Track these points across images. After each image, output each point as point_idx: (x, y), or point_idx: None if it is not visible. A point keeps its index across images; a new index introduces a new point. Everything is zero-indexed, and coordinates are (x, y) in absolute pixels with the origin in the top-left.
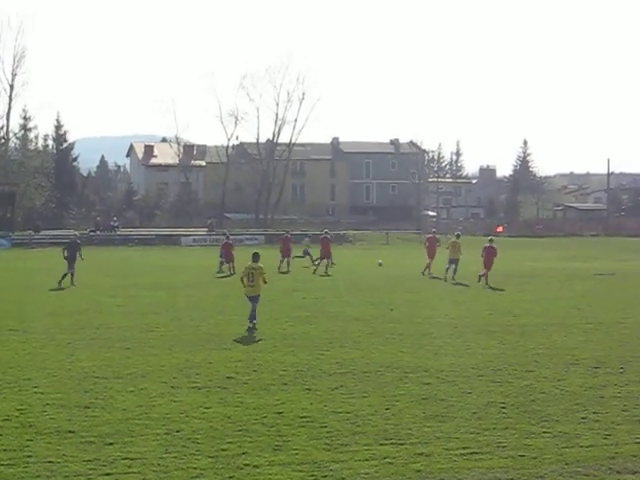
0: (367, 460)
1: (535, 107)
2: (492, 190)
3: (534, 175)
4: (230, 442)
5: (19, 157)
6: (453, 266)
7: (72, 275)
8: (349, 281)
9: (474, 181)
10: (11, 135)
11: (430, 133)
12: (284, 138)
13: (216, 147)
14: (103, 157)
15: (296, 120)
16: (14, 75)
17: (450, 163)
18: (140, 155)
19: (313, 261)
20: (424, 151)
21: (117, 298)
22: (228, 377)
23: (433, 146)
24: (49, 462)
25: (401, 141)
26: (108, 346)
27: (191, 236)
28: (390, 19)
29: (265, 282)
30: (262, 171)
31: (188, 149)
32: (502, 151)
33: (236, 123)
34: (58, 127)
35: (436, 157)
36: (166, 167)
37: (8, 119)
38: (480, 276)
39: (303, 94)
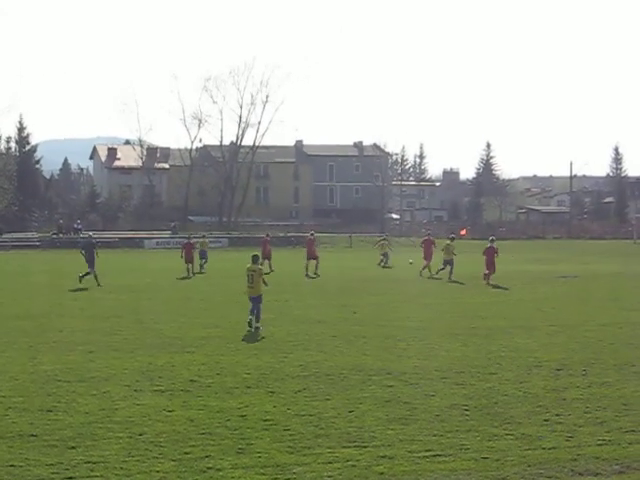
0: (330, 463)
1: (498, 110)
2: (455, 193)
3: (497, 178)
4: (193, 445)
5: None
6: (449, 267)
7: (95, 276)
8: (313, 284)
9: (437, 184)
10: None
11: (394, 136)
12: (248, 141)
13: (179, 150)
14: (66, 159)
15: (260, 123)
16: None
17: (414, 166)
18: (103, 158)
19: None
20: (388, 154)
21: (80, 301)
22: (191, 380)
23: (397, 149)
24: (11, 466)
25: (365, 144)
26: (71, 349)
27: (154, 239)
28: (353, 23)
29: (265, 283)
30: (225, 174)
31: (151, 152)
32: (465, 154)
33: (200, 126)
34: (21, 129)
35: (400, 160)
36: (129, 170)
37: None
38: (485, 275)
39: (267, 97)
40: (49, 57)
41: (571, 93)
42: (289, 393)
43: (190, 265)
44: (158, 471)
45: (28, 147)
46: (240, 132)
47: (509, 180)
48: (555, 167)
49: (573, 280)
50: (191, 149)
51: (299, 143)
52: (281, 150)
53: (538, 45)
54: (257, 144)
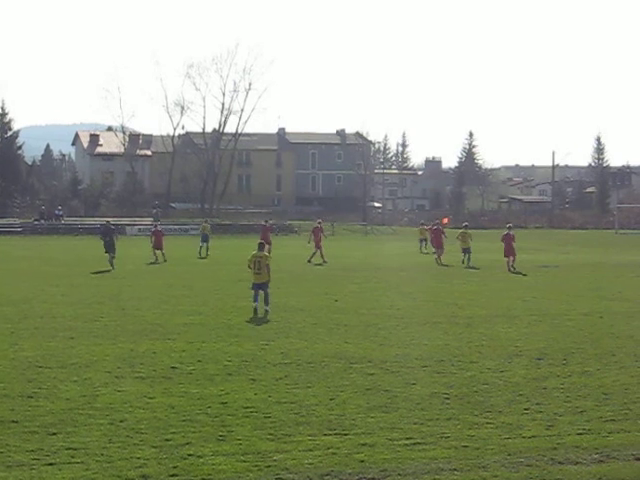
0: (311, 450)
1: (481, 99)
2: (437, 182)
3: (479, 167)
4: (174, 432)
5: None
6: (467, 255)
7: (112, 260)
8: (294, 272)
9: (420, 172)
10: None
11: (376, 124)
12: (230, 128)
13: (162, 137)
14: (48, 146)
15: (242, 110)
16: None
17: (396, 154)
18: (85, 144)
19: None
20: (370, 142)
21: (61, 287)
22: (172, 367)
23: (379, 137)
24: None
25: (347, 132)
26: (52, 335)
27: (136, 225)
28: (335, 10)
29: (268, 270)
30: (208, 161)
31: (134, 138)
32: (448, 143)
33: (182, 113)
34: (2, 115)
35: (382, 148)
36: (111, 156)
37: None
38: (509, 265)
39: (250, 84)
40: (30, 42)
41: (554, 83)
42: (270, 380)
43: (159, 251)
44: (139, 458)
45: (10, 133)
46: (223, 119)
47: (491, 169)
48: (537, 157)
49: (554, 270)
50: (173, 136)
51: (281, 131)
52: (263, 138)
53: (521, 35)
54: (240, 131)
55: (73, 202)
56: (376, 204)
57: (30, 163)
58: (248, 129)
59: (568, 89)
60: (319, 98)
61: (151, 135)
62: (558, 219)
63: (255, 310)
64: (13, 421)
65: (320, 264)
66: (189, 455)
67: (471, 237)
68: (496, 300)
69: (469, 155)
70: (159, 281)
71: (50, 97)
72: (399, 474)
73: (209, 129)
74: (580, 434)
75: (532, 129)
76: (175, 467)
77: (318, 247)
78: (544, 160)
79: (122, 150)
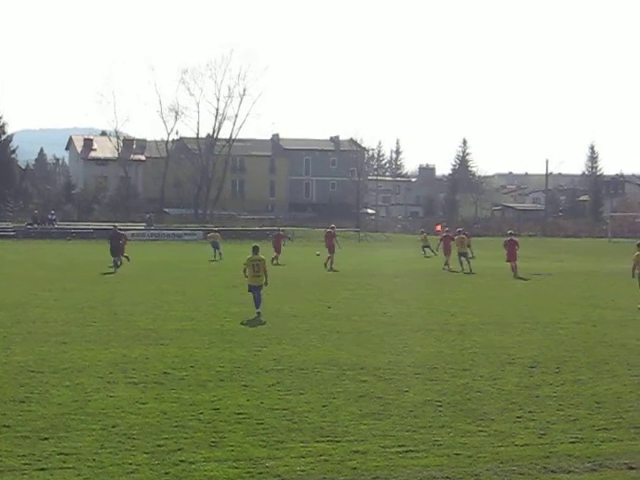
0: (303, 457)
1: (475, 107)
2: (431, 189)
3: (473, 174)
4: (166, 438)
5: None
6: (463, 259)
7: (116, 263)
8: (287, 278)
9: (413, 180)
10: None
11: (370, 131)
12: (224, 134)
13: (156, 142)
14: (42, 150)
15: (237, 116)
16: None
17: (390, 161)
18: (79, 148)
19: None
20: (364, 149)
21: (54, 292)
22: (165, 373)
23: (373, 144)
24: None
25: (341, 138)
26: (44, 340)
27: (129, 230)
28: (330, 17)
29: (266, 273)
30: (202, 166)
31: (128, 143)
32: (442, 150)
33: (176, 118)
34: None
35: (376, 155)
36: (105, 161)
37: None
38: (513, 270)
39: (244, 90)
40: (25, 46)
41: (548, 91)
42: (262, 387)
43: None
44: (131, 463)
45: (4, 137)
46: (217, 125)
47: (485, 177)
48: (531, 165)
49: (547, 278)
50: (167, 141)
51: (275, 137)
52: (257, 143)
53: (515, 43)
54: (234, 137)
55: (66, 206)
56: (370, 211)
57: (24, 167)
58: (242, 135)
59: (562, 97)
60: (313, 104)
61: (145, 140)
62: (551, 227)
63: (259, 314)
64: (5, 426)
65: (331, 270)
66: (181, 461)
67: (469, 242)
68: (489, 308)
69: (463, 162)
70: (152, 286)
71: (44, 101)
72: None
73: (203, 134)
74: (573, 442)
75: (526, 137)
76: (167, 473)
77: (331, 252)
78: (538, 168)
79: (116, 155)
